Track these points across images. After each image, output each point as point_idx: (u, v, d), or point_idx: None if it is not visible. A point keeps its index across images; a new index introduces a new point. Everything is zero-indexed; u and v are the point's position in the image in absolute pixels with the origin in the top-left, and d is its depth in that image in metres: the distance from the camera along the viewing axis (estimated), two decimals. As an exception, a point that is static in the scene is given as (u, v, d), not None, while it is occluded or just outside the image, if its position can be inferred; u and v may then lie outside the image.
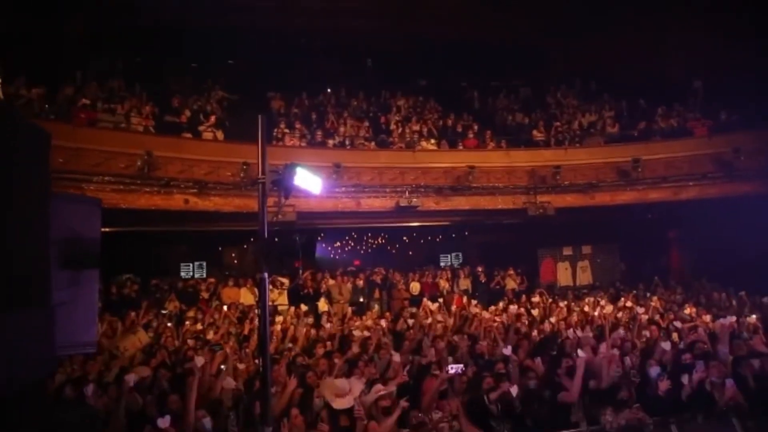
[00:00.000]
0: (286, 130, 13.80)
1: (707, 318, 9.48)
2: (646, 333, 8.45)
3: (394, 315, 11.77)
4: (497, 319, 10.05)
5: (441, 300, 12.78)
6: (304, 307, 11.34)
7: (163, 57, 15.76)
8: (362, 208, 12.82)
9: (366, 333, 9.07)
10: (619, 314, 10.31)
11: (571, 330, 8.45)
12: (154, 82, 14.20)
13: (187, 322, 10.37)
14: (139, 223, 11.85)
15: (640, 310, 9.87)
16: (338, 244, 18.11)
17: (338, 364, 6.80)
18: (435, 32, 18.06)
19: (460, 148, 14.49)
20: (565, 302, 12.12)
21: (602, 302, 11.76)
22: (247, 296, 12.53)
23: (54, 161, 8.95)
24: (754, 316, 9.12)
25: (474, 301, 12.58)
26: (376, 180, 12.86)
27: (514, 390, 5.78)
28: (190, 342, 8.65)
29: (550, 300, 12.49)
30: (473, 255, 17.91)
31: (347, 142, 14.01)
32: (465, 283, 14.75)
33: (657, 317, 9.91)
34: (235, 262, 17.03)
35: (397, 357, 6.95)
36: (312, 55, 17.28)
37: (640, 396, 5.98)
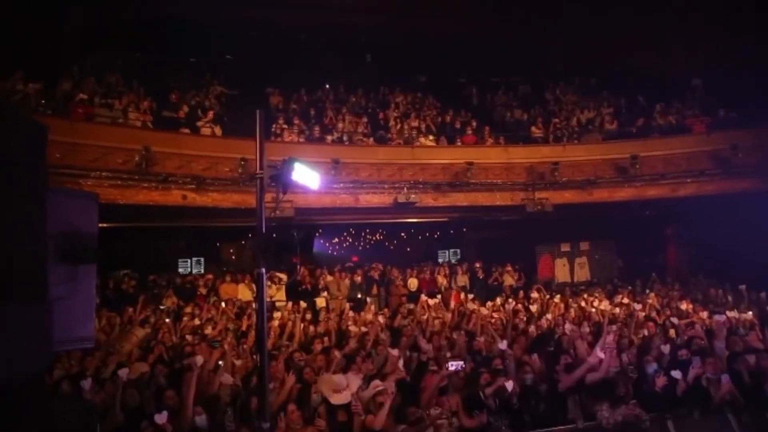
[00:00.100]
0: (285, 126, 13.78)
1: (704, 314, 9.52)
2: (644, 330, 8.48)
3: (392, 311, 11.79)
4: (495, 315, 10.07)
5: (439, 296, 12.80)
6: (303, 304, 11.34)
7: (161, 52, 15.71)
8: (360, 204, 12.82)
9: (363, 329, 9.08)
10: (617, 311, 10.33)
11: (568, 324, 8.47)
12: (152, 77, 14.14)
13: (185, 318, 10.36)
14: (136, 218, 11.82)
15: (638, 306, 9.89)
16: (336, 240, 18.11)
17: (336, 360, 6.81)
18: (434, 29, 18.07)
19: (459, 144, 14.49)
20: (559, 298, 12.13)
21: (599, 299, 11.79)
22: (245, 292, 12.53)
23: (51, 156, 8.95)
24: (750, 313, 9.15)
25: (470, 296, 12.60)
26: (375, 176, 12.85)
27: (509, 385, 5.80)
28: (189, 338, 8.66)
29: (548, 296, 12.51)
30: (471, 251, 17.93)
31: (346, 138, 14.00)
32: (463, 280, 14.76)
33: (654, 314, 9.94)
34: (233, 257, 17.01)
35: (394, 353, 6.95)
36: (311, 51, 17.27)
37: (636, 392, 6.01)
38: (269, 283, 11.96)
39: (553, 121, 15.40)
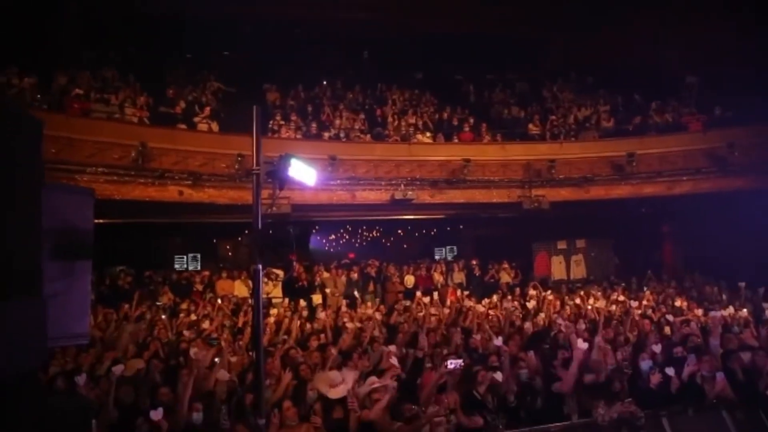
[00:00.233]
0: (282, 122, 13.76)
1: (699, 312, 9.55)
2: (639, 327, 8.50)
3: (388, 308, 11.79)
4: (491, 312, 10.08)
5: (435, 293, 12.81)
6: (302, 303, 11.31)
7: (158, 47, 15.65)
8: (357, 200, 12.82)
9: (359, 325, 9.08)
10: (612, 308, 10.36)
11: (560, 320, 8.50)
12: (148, 73, 14.10)
13: (181, 315, 10.35)
14: (133, 214, 11.80)
15: (633, 303, 9.92)
16: (333, 236, 18.08)
17: (332, 356, 6.81)
18: (431, 25, 18.02)
19: (456, 141, 14.49)
20: (554, 295, 12.16)
21: (595, 296, 11.81)
22: (241, 288, 12.51)
23: (47, 152, 8.91)
24: (745, 310, 9.19)
25: (466, 293, 12.61)
26: (372, 173, 12.86)
27: (499, 376, 5.80)
28: (186, 333, 8.65)
29: (544, 294, 12.53)
30: (468, 248, 17.93)
31: (343, 135, 13.98)
32: (459, 277, 14.77)
33: (649, 311, 9.97)
34: (230, 254, 16.98)
35: (391, 350, 6.95)
36: (308, 47, 17.23)
37: (631, 389, 6.03)
38: (265, 279, 11.98)
39: (550, 118, 15.42)
